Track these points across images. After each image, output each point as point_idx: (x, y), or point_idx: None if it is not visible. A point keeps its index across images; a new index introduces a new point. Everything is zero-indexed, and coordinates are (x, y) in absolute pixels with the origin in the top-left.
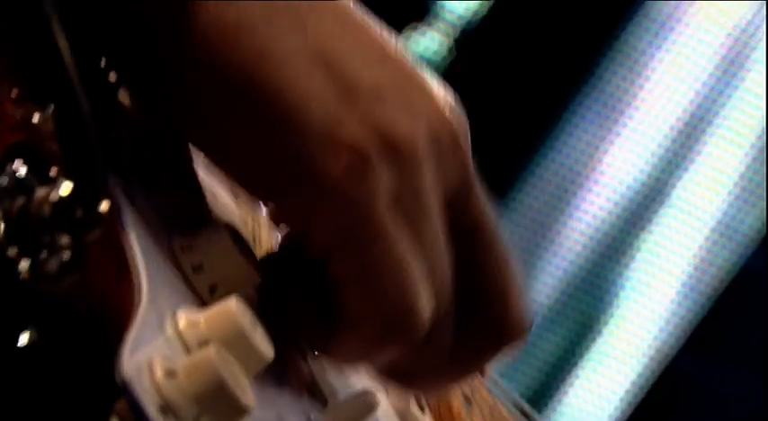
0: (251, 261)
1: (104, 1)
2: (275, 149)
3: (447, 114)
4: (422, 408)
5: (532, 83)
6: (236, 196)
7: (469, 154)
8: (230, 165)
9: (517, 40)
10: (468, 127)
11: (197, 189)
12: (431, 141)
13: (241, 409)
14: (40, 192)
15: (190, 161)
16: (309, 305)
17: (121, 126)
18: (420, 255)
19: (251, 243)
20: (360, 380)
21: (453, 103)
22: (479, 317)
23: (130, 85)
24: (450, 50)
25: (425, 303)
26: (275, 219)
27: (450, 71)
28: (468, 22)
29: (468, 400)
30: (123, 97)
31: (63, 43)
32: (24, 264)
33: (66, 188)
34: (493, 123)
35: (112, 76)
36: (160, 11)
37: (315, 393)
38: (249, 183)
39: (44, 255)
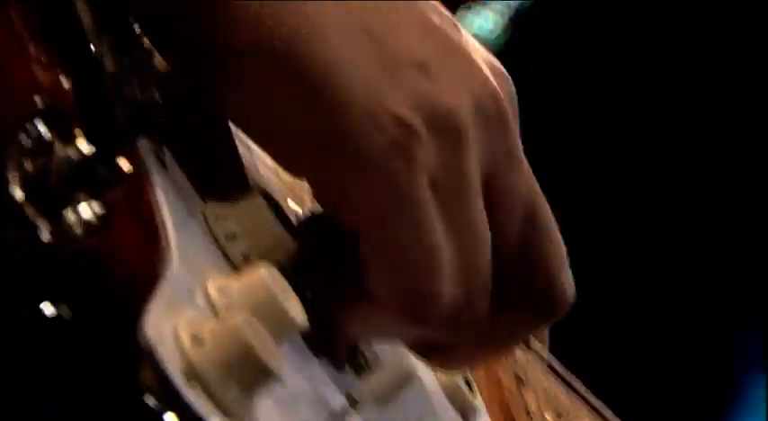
0: (288, 230)
1: None
2: (316, 121)
3: (492, 83)
4: (469, 385)
5: (588, 63)
6: (277, 173)
7: (515, 122)
8: (269, 138)
9: (573, 18)
10: (514, 91)
11: (234, 156)
12: (475, 111)
13: (269, 375)
14: (60, 151)
15: (228, 128)
16: (337, 273)
17: (157, 91)
18: (453, 234)
19: (290, 215)
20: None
21: (501, 71)
22: (521, 290)
23: (167, 59)
24: (505, 30)
25: (450, 288)
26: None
27: (504, 51)
28: (524, 2)
29: (520, 380)
30: (160, 62)
31: (81, 5)
32: (47, 227)
33: (86, 147)
34: (546, 103)
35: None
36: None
37: (356, 362)
38: (287, 157)
39: (67, 214)
